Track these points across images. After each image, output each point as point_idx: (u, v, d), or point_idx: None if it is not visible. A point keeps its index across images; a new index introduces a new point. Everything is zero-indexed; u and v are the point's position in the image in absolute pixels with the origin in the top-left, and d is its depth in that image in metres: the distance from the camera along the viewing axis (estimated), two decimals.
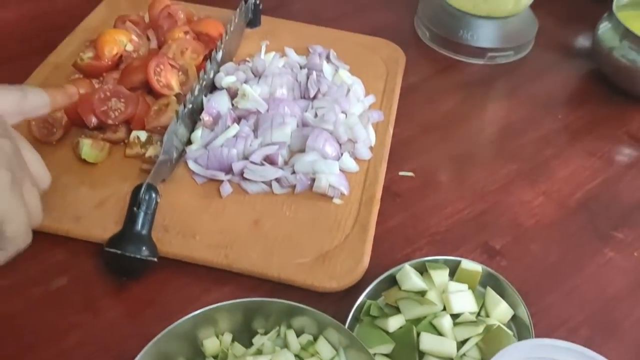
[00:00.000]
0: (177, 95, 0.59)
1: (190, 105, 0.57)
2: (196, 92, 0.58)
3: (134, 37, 0.63)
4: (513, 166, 0.65)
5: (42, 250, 0.52)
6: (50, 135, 0.58)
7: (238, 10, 0.70)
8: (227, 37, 0.65)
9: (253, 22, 0.76)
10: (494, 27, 0.78)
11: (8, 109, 0.42)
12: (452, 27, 0.78)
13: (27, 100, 0.45)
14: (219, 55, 0.63)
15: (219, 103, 0.59)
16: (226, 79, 0.62)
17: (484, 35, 0.78)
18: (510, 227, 0.59)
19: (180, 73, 0.60)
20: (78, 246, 0.52)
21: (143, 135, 0.57)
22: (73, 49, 0.70)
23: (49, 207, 0.53)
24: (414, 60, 0.78)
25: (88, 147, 0.56)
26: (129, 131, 0.58)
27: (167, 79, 0.58)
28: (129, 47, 0.62)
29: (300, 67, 0.68)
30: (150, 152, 0.56)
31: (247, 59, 0.69)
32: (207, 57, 0.63)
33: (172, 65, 0.59)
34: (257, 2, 0.75)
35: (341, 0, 0.89)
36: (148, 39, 0.66)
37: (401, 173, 0.63)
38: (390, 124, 0.66)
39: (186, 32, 0.64)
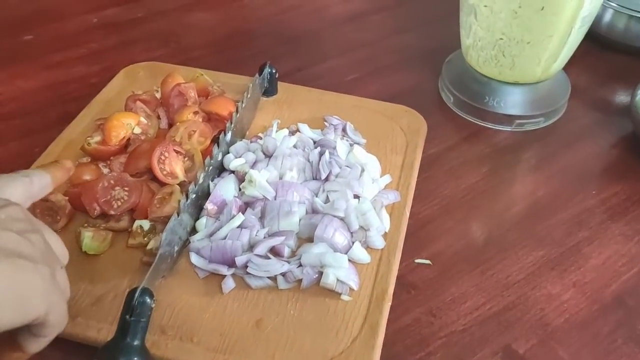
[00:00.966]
0: (182, 184, 0.57)
1: (194, 195, 0.55)
2: (201, 180, 0.56)
3: (143, 119, 0.62)
4: (540, 252, 0.61)
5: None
6: (55, 224, 0.56)
7: (251, 84, 0.68)
8: (237, 116, 0.63)
9: (270, 91, 0.74)
10: (522, 93, 0.74)
11: (21, 197, 0.42)
12: (478, 93, 0.75)
13: (34, 184, 0.45)
14: (228, 136, 0.61)
15: (224, 190, 0.57)
16: (234, 162, 0.60)
17: (512, 102, 0.73)
18: (536, 327, 0.54)
19: (186, 159, 0.58)
20: (71, 348, 0.50)
21: (146, 224, 0.55)
22: (87, 123, 0.70)
23: None
24: (436, 125, 0.74)
25: (89, 240, 0.54)
26: (133, 220, 0.56)
27: (172, 166, 0.57)
28: (137, 130, 0.61)
29: (314, 142, 0.66)
30: (152, 244, 0.54)
31: (260, 134, 0.67)
32: (216, 138, 0.61)
33: (177, 152, 0.57)
34: (273, 71, 0.73)
35: (361, 62, 0.86)
36: (158, 117, 0.65)
37: (417, 261, 0.59)
38: (407, 205, 0.62)
39: (196, 113, 0.63)
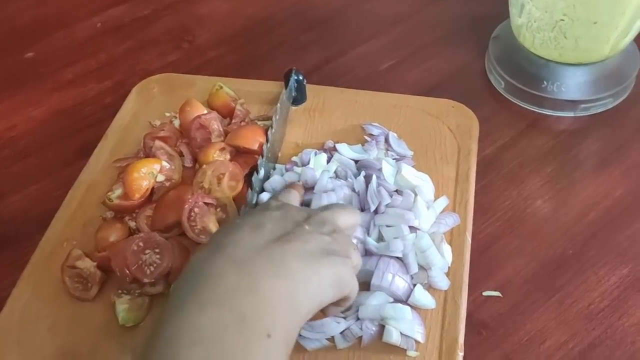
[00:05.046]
0: None
1: None
2: None
3: (165, 163, 0.55)
4: (624, 269, 0.54)
5: None
6: (86, 292, 0.52)
7: (279, 104, 0.61)
8: (268, 146, 0.57)
9: (298, 100, 0.67)
10: (586, 74, 0.64)
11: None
12: (534, 76, 0.66)
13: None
14: (261, 174, 0.55)
15: None
16: None
17: (575, 85, 0.64)
18: None
19: (218, 209, 0.52)
20: None
21: None
22: (106, 158, 0.64)
23: None
24: (487, 118, 0.66)
25: (125, 312, 0.50)
26: (168, 283, 0.51)
27: (204, 222, 0.51)
28: (160, 178, 0.55)
29: (355, 162, 0.59)
30: None
31: (295, 158, 0.60)
32: (249, 176, 0.55)
33: (207, 204, 0.51)
34: (301, 78, 0.66)
35: (395, 44, 0.77)
36: (181, 154, 0.58)
37: (486, 293, 0.53)
38: (468, 229, 0.55)
39: (222, 149, 0.56)
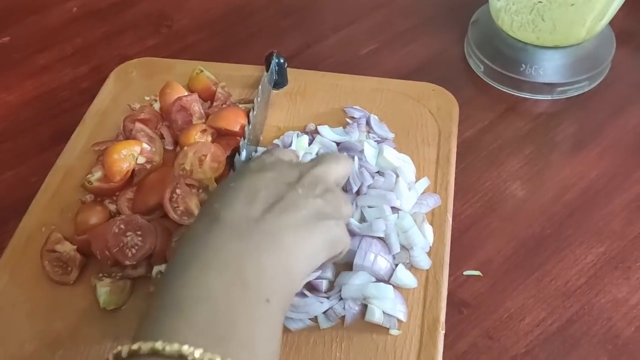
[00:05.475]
0: None
1: None
2: None
3: (145, 146, 0.55)
4: (600, 248, 0.55)
5: None
6: (66, 275, 0.51)
7: (260, 86, 0.61)
8: (250, 128, 0.56)
9: (280, 83, 0.66)
10: (563, 57, 0.65)
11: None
12: (512, 60, 0.66)
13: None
14: (243, 155, 0.55)
15: None
16: None
17: (552, 68, 0.65)
18: (605, 341, 0.49)
19: (200, 191, 0.52)
20: None
21: None
22: (84, 144, 0.63)
23: None
24: (467, 101, 0.66)
25: (106, 295, 0.49)
26: (151, 265, 0.51)
27: (186, 204, 0.50)
28: (141, 160, 0.54)
29: (337, 144, 0.59)
30: None
31: (277, 141, 0.60)
32: (231, 157, 0.55)
33: (189, 185, 0.51)
34: (282, 61, 0.65)
35: (376, 29, 0.77)
36: (162, 136, 0.58)
37: (466, 272, 0.54)
38: (449, 210, 0.56)
39: (203, 131, 0.56)
